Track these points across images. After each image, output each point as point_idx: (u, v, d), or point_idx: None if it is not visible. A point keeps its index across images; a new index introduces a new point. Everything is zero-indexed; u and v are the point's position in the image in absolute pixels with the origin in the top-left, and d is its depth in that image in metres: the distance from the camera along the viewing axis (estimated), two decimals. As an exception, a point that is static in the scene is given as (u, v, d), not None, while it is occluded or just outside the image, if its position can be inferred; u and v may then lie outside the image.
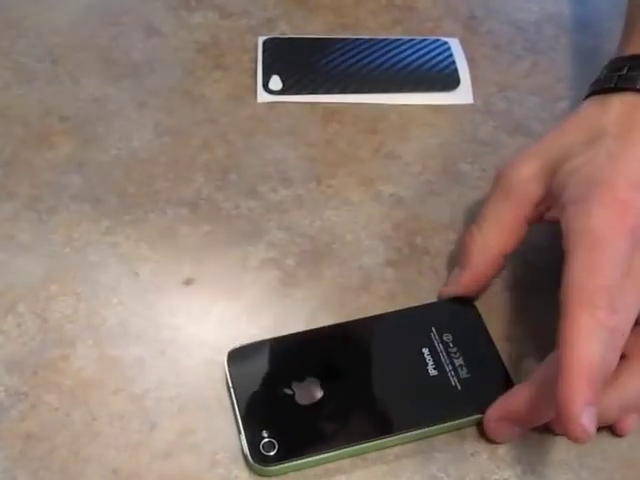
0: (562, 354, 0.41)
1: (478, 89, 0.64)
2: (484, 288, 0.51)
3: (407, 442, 0.46)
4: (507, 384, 0.47)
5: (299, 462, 0.45)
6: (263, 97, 0.62)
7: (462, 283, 0.50)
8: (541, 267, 0.54)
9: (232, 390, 0.47)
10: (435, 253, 0.54)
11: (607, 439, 0.47)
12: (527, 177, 0.48)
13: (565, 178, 0.46)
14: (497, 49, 0.67)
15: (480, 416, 0.46)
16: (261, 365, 0.48)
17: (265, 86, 0.63)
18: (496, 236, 0.49)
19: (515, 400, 0.45)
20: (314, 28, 0.67)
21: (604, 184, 0.44)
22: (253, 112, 0.62)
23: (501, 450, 0.46)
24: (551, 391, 0.42)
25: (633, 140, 0.46)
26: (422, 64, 0.64)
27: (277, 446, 0.44)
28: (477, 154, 0.60)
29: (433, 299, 0.52)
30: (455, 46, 0.66)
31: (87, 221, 0.55)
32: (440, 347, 0.48)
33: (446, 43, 0.66)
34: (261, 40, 0.65)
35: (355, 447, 0.45)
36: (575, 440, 0.41)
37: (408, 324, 0.50)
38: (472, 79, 0.64)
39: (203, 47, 0.66)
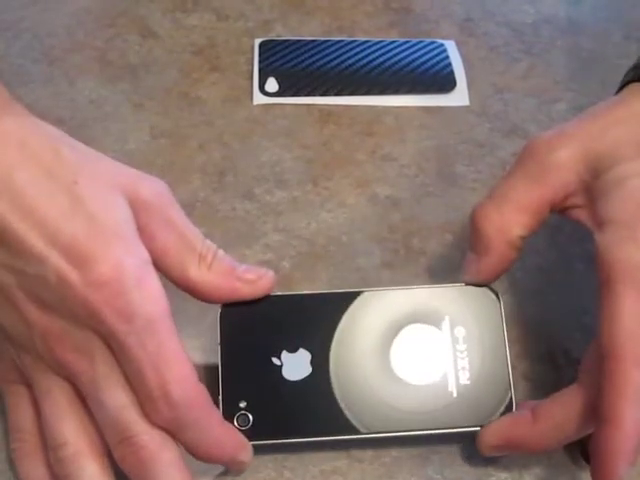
0: (608, 411, 0.38)
1: (474, 91, 0.64)
2: (503, 273, 0.45)
3: (391, 444, 0.46)
4: (507, 403, 0.43)
5: (270, 443, 0.43)
6: (259, 99, 0.62)
7: (482, 271, 0.45)
8: (541, 268, 0.54)
9: (220, 349, 0.44)
10: (431, 255, 0.54)
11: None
12: (564, 162, 0.42)
13: (609, 187, 0.41)
14: (493, 51, 0.67)
15: (468, 430, 0.43)
16: (254, 325, 0.45)
17: (261, 88, 0.63)
18: (517, 217, 0.43)
19: (522, 432, 0.42)
20: (310, 30, 0.67)
21: None
22: (249, 114, 0.62)
23: (497, 452, 0.46)
24: (566, 429, 0.40)
25: None
26: (418, 66, 0.64)
27: (251, 421, 0.43)
28: (473, 156, 0.60)
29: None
30: (451, 48, 0.66)
31: (83, 223, 0.55)
32: (449, 342, 0.44)
33: (442, 45, 0.66)
34: (257, 42, 0.66)
35: (331, 438, 0.43)
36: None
37: (423, 305, 0.45)
38: (468, 81, 0.64)
39: (199, 49, 0.66)
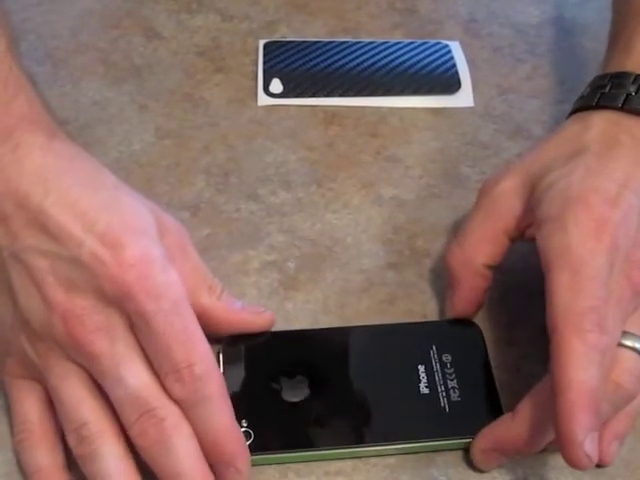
0: (558, 381, 0.40)
1: (479, 92, 0.64)
2: (478, 303, 0.50)
3: (385, 455, 0.46)
4: (497, 414, 0.46)
5: (272, 456, 0.45)
6: (264, 100, 0.62)
7: (457, 302, 0.50)
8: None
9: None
10: (436, 256, 0.54)
11: (608, 442, 0.47)
12: (507, 191, 0.48)
13: (541, 194, 0.45)
14: (498, 52, 0.67)
15: (462, 441, 0.46)
16: (254, 356, 0.48)
17: (266, 89, 0.63)
18: (476, 248, 0.49)
19: (504, 431, 0.44)
20: (314, 32, 0.67)
21: (578, 201, 0.43)
22: (254, 115, 0.62)
23: (502, 453, 0.46)
24: (541, 421, 0.42)
25: (612, 157, 0.45)
26: (423, 67, 0.64)
27: (253, 437, 0.45)
28: (478, 157, 0.60)
29: (434, 304, 0.52)
30: (456, 49, 0.66)
31: (88, 224, 0.55)
32: (437, 367, 0.48)
33: (447, 46, 0.66)
34: (262, 43, 0.66)
35: (328, 452, 0.45)
36: (578, 467, 0.40)
37: (409, 338, 0.49)
38: (473, 82, 0.64)
39: (204, 50, 0.66)
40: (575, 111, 0.50)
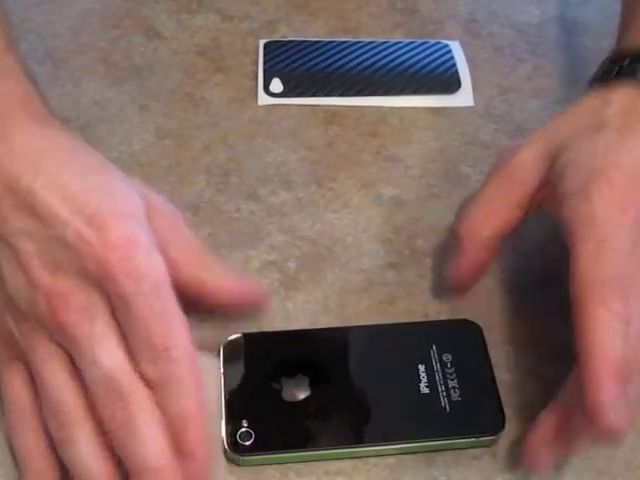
0: (584, 350, 0.40)
1: (479, 92, 0.64)
2: (476, 275, 0.50)
3: (385, 455, 0.46)
4: (497, 414, 0.46)
5: (272, 456, 0.45)
6: (264, 100, 0.62)
7: (455, 271, 0.49)
8: (543, 269, 0.54)
9: (222, 377, 0.47)
10: (436, 256, 0.54)
11: (609, 442, 0.47)
12: (525, 163, 0.48)
13: (563, 169, 0.46)
14: (498, 52, 0.67)
15: (462, 441, 0.46)
16: (255, 356, 0.48)
17: (266, 89, 0.63)
18: (484, 220, 0.49)
19: (548, 424, 0.43)
20: (315, 31, 0.67)
21: (601, 175, 0.44)
22: (254, 115, 0.62)
23: (503, 453, 0.46)
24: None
25: (633, 132, 0.46)
26: (423, 67, 0.64)
27: (254, 437, 0.45)
28: (478, 157, 0.60)
29: (434, 303, 0.52)
30: (456, 49, 0.66)
31: (88, 224, 0.55)
32: (437, 366, 0.48)
33: (447, 46, 0.66)
34: (262, 43, 0.66)
35: (328, 451, 0.45)
36: (609, 439, 0.40)
37: (409, 338, 0.49)
38: (473, 82, 0.64)
39: (204, 50, 0.66)
40: (593, 86, 0.50)
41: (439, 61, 0.65)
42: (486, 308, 0.51)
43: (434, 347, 0.49)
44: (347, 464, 0.46)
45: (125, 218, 0.42)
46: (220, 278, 0.47)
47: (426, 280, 0.53)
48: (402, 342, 0.49)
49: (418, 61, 0.65)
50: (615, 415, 0.39)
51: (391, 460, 0.46)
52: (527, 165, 0.48)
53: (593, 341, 0.40)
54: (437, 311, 0.52)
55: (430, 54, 0.65)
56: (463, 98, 0.63)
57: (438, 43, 0.66)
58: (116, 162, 0.57)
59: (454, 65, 0.65)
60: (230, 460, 0.45)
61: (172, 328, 0.41)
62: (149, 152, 0.59)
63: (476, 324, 0.50)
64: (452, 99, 0.63)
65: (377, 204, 0.57)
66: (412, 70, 0.64)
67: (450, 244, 0.54)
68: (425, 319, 0.51)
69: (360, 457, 0.46)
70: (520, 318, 0.51)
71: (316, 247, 0.55)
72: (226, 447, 0.45)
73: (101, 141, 0.59)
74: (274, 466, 0.45)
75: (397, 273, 0.53)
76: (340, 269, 0.53)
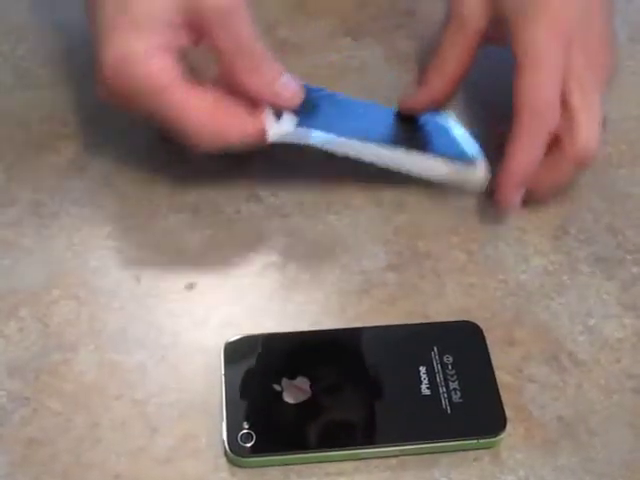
0: (511, 150, 0.52)
1: (478, 89, 0.63)
2: (437, 104, 0.57)
3: (386, 456, 0.46)
4: (498, 415, 0.46)
5: (273, 458, 0.45)
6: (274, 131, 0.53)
7: (419, 96, 0.57)
8: (546, 270, 0.54)
9: (223, 378, 0.47)
10: (436, 257, 0.54)
11: (611, 443, 0.47)
12: (474, 8, 0.56)
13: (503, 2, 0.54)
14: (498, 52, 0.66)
15: (463, 442, 0.46)
16: (256, 358, 0.48)
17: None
18: (451, 63, 0.57)
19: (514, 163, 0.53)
20: (315, 33, 0.67)
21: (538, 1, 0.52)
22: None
23: (504, 454, 0.46)
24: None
25: None
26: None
27: (255, 439, 0.45)
28: (478, 158, 0.60)
29: (435, 305, 0.52)
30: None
31: (89, 226, 0.55)
32: (438, 368, 0.48)
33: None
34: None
35: (329, 453, 0.45)
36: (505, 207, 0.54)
37: (410, 340, 0.50)
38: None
39: (204, 50, 0.66)
40: None
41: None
42: (486, 309, 0.51)
43: (435, 348, 0.49)
44: (348, 465, 0.46)
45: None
46: (254, 76, 0.51)
47: (427, 281, 0.53)
48: (403, 343, 0.49)
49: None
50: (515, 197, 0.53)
51: (392, 461, 0.46)
52: (475, 11, 0.56)
53: (517, 151, 0.52)
54: (437, 312, 0.52)
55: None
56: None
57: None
58: (116, 162, 0.58)
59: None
60: (231, 462, 0.45)
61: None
62: (149, 152, 0.59)
63: (477, 325, 0.50)
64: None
65: (377, 205, 0.57)
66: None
67: (452, 245, 0.55)
68: (426, 320, 0.51)
69: (361, 459, 0.46)
70: (520, 319, 0.51)
71: (317, 248, 0.54)
72: (227, 449, 0.45)
73: (102, 142, 0.59)
74: (275, 468, 0.45)
75: (398, 274, 0.53)
76: (340, 270, 0.53)
